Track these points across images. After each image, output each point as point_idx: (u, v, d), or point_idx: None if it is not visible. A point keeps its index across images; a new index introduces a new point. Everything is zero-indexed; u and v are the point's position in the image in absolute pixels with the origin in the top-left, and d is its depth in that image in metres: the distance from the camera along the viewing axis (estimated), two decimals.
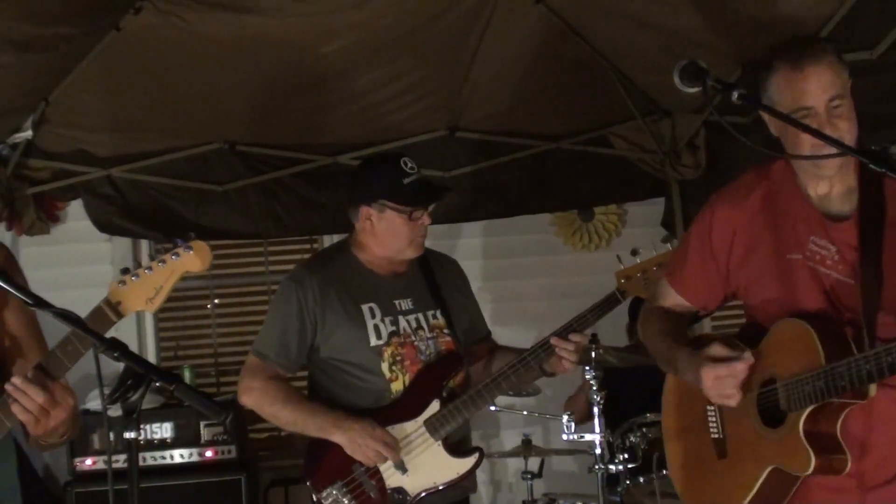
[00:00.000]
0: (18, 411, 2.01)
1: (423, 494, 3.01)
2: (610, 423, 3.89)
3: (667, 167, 5.19)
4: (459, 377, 3.13)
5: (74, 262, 5.25)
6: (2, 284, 1.94)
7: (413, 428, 3.01)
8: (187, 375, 5.12)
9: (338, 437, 2.98)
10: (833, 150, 2.12)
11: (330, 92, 4.57)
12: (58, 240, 5.21)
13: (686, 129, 5.06)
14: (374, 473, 3.00)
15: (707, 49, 4.09)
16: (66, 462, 4.62)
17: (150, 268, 2.07)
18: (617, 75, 4.65)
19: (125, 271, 2.08)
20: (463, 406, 3.02)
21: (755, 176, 2.42)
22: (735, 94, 2.06)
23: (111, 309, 2.05)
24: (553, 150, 5.27)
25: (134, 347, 2.01)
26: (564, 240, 5.62)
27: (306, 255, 5.65)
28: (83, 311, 2.01)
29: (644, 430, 4.04)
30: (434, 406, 3.02)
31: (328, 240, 5.54)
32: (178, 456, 4.65)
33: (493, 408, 4.38)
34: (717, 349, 2.31)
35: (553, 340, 3.01)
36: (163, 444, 4.65)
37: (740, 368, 2.27)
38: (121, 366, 1.89)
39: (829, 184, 2.28)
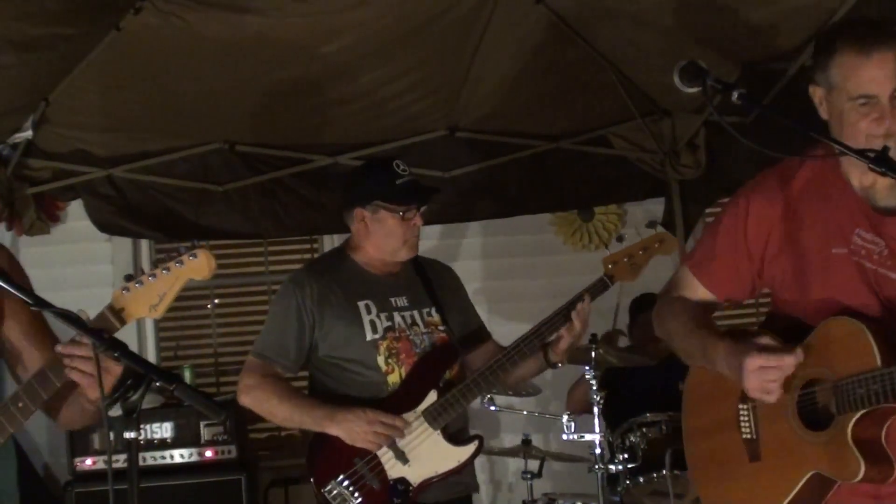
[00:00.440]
0: (78, 377, 2.00)
1: (426, 483, 3.04)
2: (610, 423, 3.89)
3: (667, 167, 5.19)
4: (455, 368, 3.18)
5: (74, 262, 5.25)
6: (1, 284, 1.94)
7: (412, 418, 3.05)
8: (187, 375, 5.13)
9: (334, 429, 3.02)
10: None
11: (330, 92, 4.57)
12: (58, 240, 5.21)
13: (686, 129, 5.06)
14: (376, 465, 3.03)
15: (707, 49, 4.09)
16: (66, 462, 4.63)
17: (153, 275, 2.07)
18: (617, 75, 4.64)
19: (129, 278, 2.08)
20: (460, 395, 3.06)
21: (789, 166, 2.31)
22: (735, 94, 2.04)
23: (114, 315, 2.05)
24: (553, 150, 5.27)
25: (134, 347, 2.00)
26: (564, 240, 5.62)
27: (306, 255, 5.66)
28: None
29: (644, 430, 4.05)
30: (431, 396, 3.07)
31: (328, 240, 5.54)
32: (178, 456, 4.65)
33: (493, 408, 4.39)
34: (766, 339, 2.20)
35: (570, 316, 3.06)
36: (163, 444, 4.65)
37: (789, 362, 2.14)
38: None
39: (875, 175, 2.13)
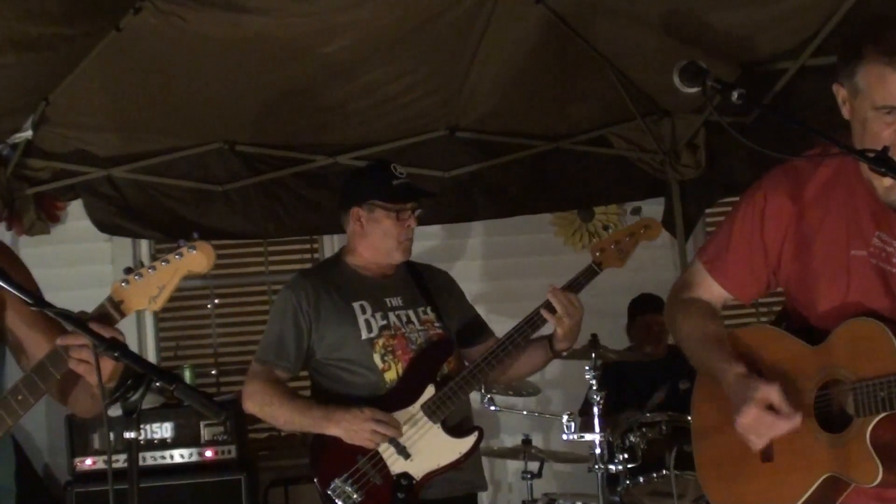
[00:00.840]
0: (79, 366, 2.00)
1: (429, 476, 3.07)
2: (610, 416, 3.89)
3: (667, 167, 5.19)
4: (452, 362, 3.21)
5: (74, 262, 5.25)
6: (1, 284, 1.94)
7: (411, 413, 3.08)
8: (187, 375, 5.12)
9: (333, 429, 3.04)
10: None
11: (330, 92, 4.57)
12: (58, 240, 5.21)
13: (686, 129, 5.06)
14: (378, 462, 3.05)
15: (707, 49, 4.09)
16: (66, 462, 4.63)
17: (153, 267, 2.07)
18: (617, 75, 4.65)
19: (128, 270, 2.08)
20: (458, 388, 3.09)
21: (808, 163, 2.25)
22: (735, 94, 2.01)
23: (114, 308, 2.05)
24: (553, 150, 5.28)
25: (134, 347, 2.01)
26: (564, 240, 5.62)
27: (306, 255, 5.66)
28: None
29: (644, 430, 4.05)
30: (429, 391, 3.10)
31: (328, 240, 5.54)
32: (178, 456, 4.65)
33: (493, 408, 4.39)
34: (776, 396, 2.12)
35: (543, 313, 3.07)
36: (163, 444, 4.64)
37: (783, 428, 2.10)
38: None
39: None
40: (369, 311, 3.17)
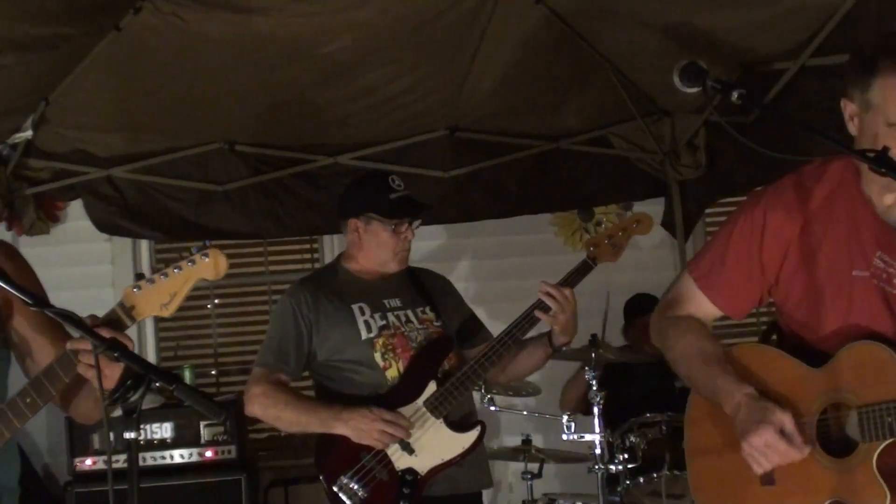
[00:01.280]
0: (87, 371, 2.01)
1: (433, 471, 3.09)
2: (609, 421, 3.89)
3: (667, 167, 5.19)
4: (453, 359, 3.24)
5: (74, 262, 5.25)
6: (1, 284, 1.94)
7: (414, 410, 3.11)
8: (187, 375, 5.12)
9: (341, 429, 3.08)
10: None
11: (330, 92, 4.57)
12: (58, 240, 5.21)
13: (686, 129, 5.06)
14: (383, 458, 3.08)
15: (707, 49, 4.09)
16: (66, 462, 4.63)
17: (165, 273, 2.08)
18: (617, 75, 4.65)
19: (140, 276, 2.09)
20: (459, 383, 3.13)
21: (806, 178, 2.21)
22: (735, 94, 1.98)
23: (125, 313, 2.06)
24: (553, 150, 5.27)
25: (134, 347, 2.00)
26: (564, 240, 5.62)
27: (306, 255, 5.66)
28: (84, 311, 2.01)
29: (644, 429, 4.05)
30: (431, 387, 3.13)
31: (328, 240, 5.54)
32: (178, 456, 4.65)
33: (493, 408, 4.39)
34: (790, 424, 2.08)
35: (537, 313, 3.09)
36: (163, 444, 4.64)
37: (793, 457, 2.07)
38: None
39: None
40: (368, 312, 3.20)
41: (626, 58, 4.54)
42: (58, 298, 1.98)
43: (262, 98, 4.59)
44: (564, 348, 3.25)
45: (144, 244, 5.46)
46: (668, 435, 4.00)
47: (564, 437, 3.84)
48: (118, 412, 1.91)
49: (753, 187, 2.45)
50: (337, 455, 3.10)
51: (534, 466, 4.44)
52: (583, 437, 3.82)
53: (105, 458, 4.52)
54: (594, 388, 3.78)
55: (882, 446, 2.01)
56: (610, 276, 3.21)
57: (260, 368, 3.23)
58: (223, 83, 4.40)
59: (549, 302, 3.08)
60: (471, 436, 3.15)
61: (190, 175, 5.11)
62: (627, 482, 3.99)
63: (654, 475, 3.96)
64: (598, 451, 3.80)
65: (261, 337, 3.35)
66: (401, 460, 3.08)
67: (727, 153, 4.94)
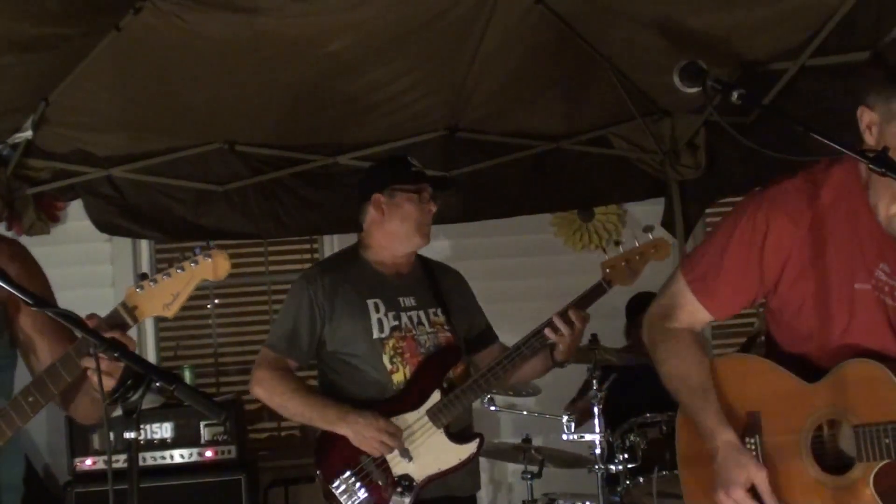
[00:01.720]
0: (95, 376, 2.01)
1: (429, 479, 3.14)
2: (610, 423, 3.89)
3: (667, 167, 5.19)
4: (459, 369, 3.28)
5: (74, 262, 5.25)
6: (1, 284, 1.94)
7: (416, 417, 3.15)
8: (187, 375, 5.12)
9: (343, 430, 3.12)
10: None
11: (330, 92, 4.57)
12: (58, 240, 5.20)
13: (686, 129, 5.05)
14: (382, 462, 3.13)
15: (707, 49, 4.09)
16: (66, 462, 4.63)
17: (168, 273, 2.09)
18: (617, 75, 4.64)
19: (143, 276, 2.10)
20: (462, 395, 3.17)
21: (809, 184, 2.16)
22: (735, 94, 1.96)
23: (127, 313, 2.06)
24: (553, 150, 5.27)
25: (136, 348, 2.00)
26: (564, 240, 5.62)
27: (306, 255, 5.66)
28: (84, 311, 2.02)
29: (644, 429, 4.05)
30: (435, 396, 3.17)
31: (328, 240, 5.54)
32: (178, 456, 4.65)
33: (493, 408, 4.39)
34: (763, 484, 2.08)
35: (546, 332, 3.12)
36: (163, 444, 4.64)
37: None
38: None
39: None
40: (382, 310, 3.23)
41: (626, 58, 4.54)
42: (58, 298, 2.00)
43: (262, 98, 4.59)
44: (565, 365, 3.27)
45: (144, 244, 5.46)
46: (668, 435, 4.00)
47: (564, 437, 3.85)
48: (118, 412, 1.91)
49: (753, 187, 2.41)
50: (337, 455, 3.14)
51: (534, 466, 4.44)
52: (583, 437, 3.82)
53: (105, 458, 4.52)
54: (594, 387, 3.79)
55: (878, 466, 2.00)
56: None
57: (270, 351, 3.25)
58: (223, 83, 4.40)
59: (562, 327, 3.10)
60: (469, 447, 3.19)
61: (190, 175, 5.10)
62: (627, 482, 3.99)
63: (654, 475, 3.95)
64: (598, 451, 3.80)
65: (261, 337, 3.36)
66: (398, 466, 3.12)
67: (727, 153, 4.94)
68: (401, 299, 3.27)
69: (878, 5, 3.68)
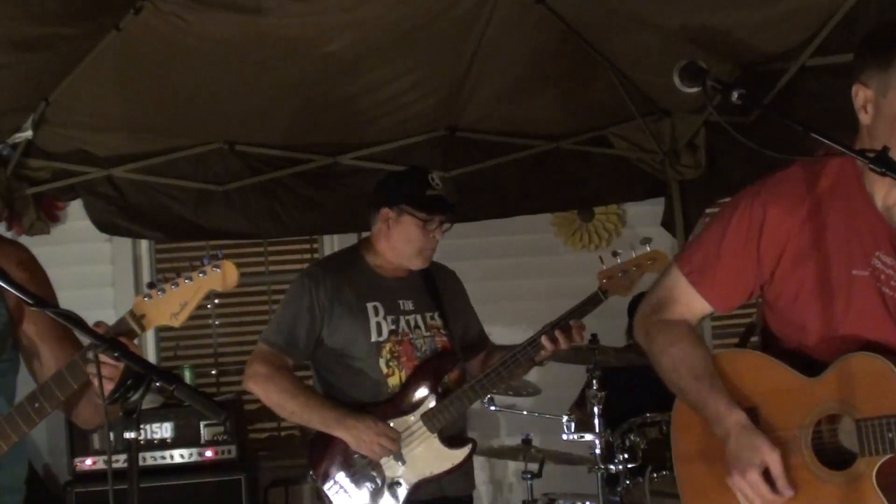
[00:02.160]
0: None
1: (421, 483, 3.16)
2: (610, 424, 3.89)
3: (667, 167, 5.19)
4: (454, 374, 3.29)
5: (74, 262, 5.25)
6: (1, 284, 1.94)
7: (411, 422, 3.17)
8: (187, 375, 5.13)
9: (341, 433, 3.13)
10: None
11: (330, 92, 4.57)
12: (58, 240, 5.20)
13: (686, 129, 5.05)
14: (375, 465, 3.14)
15: (707, 49, 4.09)
16: (66, 462, 4.63)
17: (175, 283, 2.09)
18: (617, 75, 4.64)
19: (151, 285, 2.10)
20: (457, 401, 3.18)
21: (806, 172, 2.14)
22: (735, 94, 1.95)
23: (135, 321, 2.07)
24: (553, 150, 5.27)
25: (141, 355, 2.01)
26: (564, 240, 5.62)
27: (306, 255, 5.66)
28: (84, 311, 2.02)
29: (644, 430, 4.04)
30: (430, 401, 3.18)
31: (328, 240, 5.54)
32: (178, 456, 4.66)
33: (493, 408, 4.39)
34: (776, 466, 2.04)
35: (543, 340, 3.13)
36: (163, 444, 4.65)
37: (776, 502, 2.04)
38: None
39: None
40: (381, 313, 3.22)
41: (626, 58, 4.54)
42: (58, 298, 1.99)
43: (262, 98, 4.59)
44: (545, 363, 3.28)
45: (144, 244, 5.46)
46: (667, 435, 3.98)
47: (564, 437, 3.85)
48: (118, 412, 1.91)
49: None
50: (331, 455, 3.17)
51: (534, 466, 4.44)
52: (583, 437, 3.82)
53: (105, 458, 4.52)
54: (594, 387, 3.78)
55: (881, 461, 1.99)
56: None
57: (267, 347, 3.24)
58: (223, 83, 4.40)
59: (560, 338, 3.11)
60: (461, 453, 3.21)
61: (190, 175, 5.10)
62: (627, 482, 3.99)
63: (654, 475, 3.95)
64: (598, 451, 3.80)
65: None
66: (391, 469, 3.14)
67: (727, 153, 4.93)
68: (400, 302, 3.28)
69: (878, 5, 3.68)
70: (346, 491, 3.13)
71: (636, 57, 4.49)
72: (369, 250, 3.34)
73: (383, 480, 3.14)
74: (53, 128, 4.68)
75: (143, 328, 2.08)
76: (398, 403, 3.18)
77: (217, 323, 5.63)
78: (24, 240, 5.04)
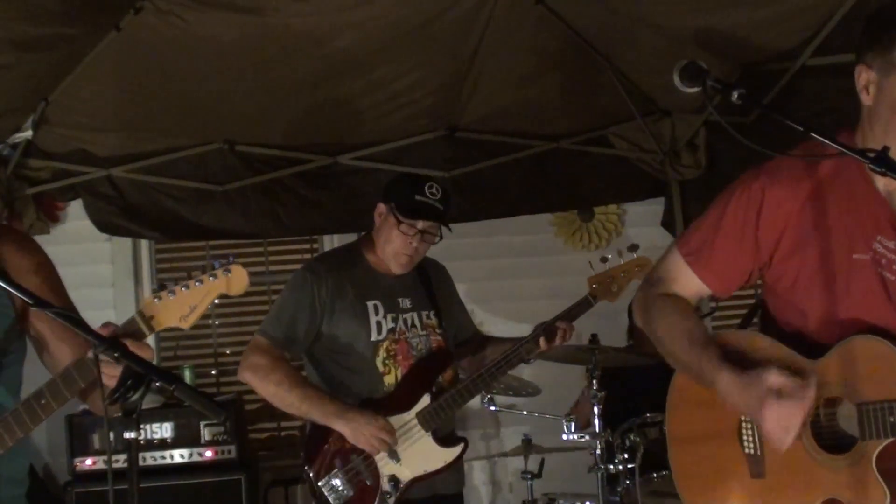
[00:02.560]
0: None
1: (415, 480, 3.21)
2: (609, 424, 3.89)
3: (667, 167, 5.19)
4: (448, 374, 3.34)
5: (74, 262, 5.23)
6: (1, 284, 1.95)
7: (406, 420, 3.21)
8: (187, 375, 5.12)
9: (341, 427, 3.14)
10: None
11: (330, 92, 4.57)
12: (58, 240, 5.20)
13: (686, 129, 5.06)
14: (370, 462, 3.18)
15: (707, 49, 4.09)
16: (66, 462, 4.63)
17: (186, 286, 2.09)
18: (617, 75, 4.65)
19: (161, 287, 2.10)
20: (452, 400, 3.24)
21: (810, 154, 2.09)
22: (735, 94, 1.94)
23: (144, 322, 2.07)
24: (553, 150, 5.27)
25: (153, 357, 2.01)
26: (564, 240, 5.62)
27: (306, 255, 5.65)
28: (84, 311, 2.02)
29: (644, 430, 4.04)
30: (425, 400, 3.23)
31: (328, 240, 5.54)
32: (178, 456, 4.66)
33: (493, 408, 4.39)
34: (779, 380, 1.98)
35: (533, 341, 3.26)
36: (163, 444, 4.65)
37: (806, 407, 1.97)
38: None
39: None
40: (381, 312, 3.26)
41: (626, 58, 4.54)
42: None
43: (262, 98, 4.59)
44: (532, 361, 3.40)
45: (144, 244, 5.46)
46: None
47: (564, 437, 3.85)
48: (119, 412, 1.92)
49: None
50: (327, 452, 3.20)
51: (534, 466, 4.44)
52: (583, 437, 3.82)
53: (105, 458, 4.52)
54: (594, 387, 3.79)
55: (882, 445, 1.97)
56: None
57: (265, 339, 3.24)
58: (223, 83, 4.40)
59: (549, 340, 3.23)
60: (454, 451, 3.26)
61: (190, 175, 5.10)
62: (627, 482, 3.99)
63: (654, 475, 3.95)
64: (598, 451, 3.80)
65: None
66: (386, 466, 3.18)
67: (727, 153, 4.94)
68: (399, 300, 3.31)
69: (878, 5, 3.68)
70: (341, 489, 3.16)
71: (636, 57, 4.49)
72: (368, 246, 3.37)
73: (378, 478, 3.17)
74: (53, 128, 4.68)
75: (151, 329, 2.08)
76: (393, 401, 3.21)
77: (217, 323, 5.63)
78: None
